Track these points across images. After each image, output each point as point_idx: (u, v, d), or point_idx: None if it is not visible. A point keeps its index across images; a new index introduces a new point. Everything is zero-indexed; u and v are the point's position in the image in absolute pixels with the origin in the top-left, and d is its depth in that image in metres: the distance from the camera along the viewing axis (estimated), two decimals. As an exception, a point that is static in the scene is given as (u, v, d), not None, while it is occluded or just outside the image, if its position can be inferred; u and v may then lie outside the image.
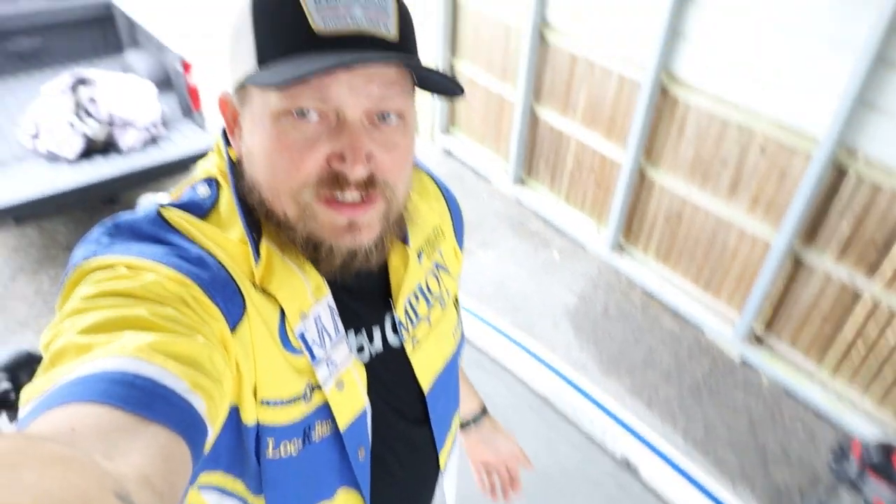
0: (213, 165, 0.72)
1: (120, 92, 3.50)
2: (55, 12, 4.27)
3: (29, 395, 0.46)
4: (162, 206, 0.66)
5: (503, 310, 3.20)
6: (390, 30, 0.61)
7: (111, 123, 3.42)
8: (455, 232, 0.93)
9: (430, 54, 4.32)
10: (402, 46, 0.62)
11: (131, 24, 4.29)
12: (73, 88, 3.50)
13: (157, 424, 0.44)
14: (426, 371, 0.84)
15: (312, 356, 0.69)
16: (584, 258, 3.61)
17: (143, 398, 0.45)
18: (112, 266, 0.58)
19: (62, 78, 3.55)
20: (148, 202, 0.67)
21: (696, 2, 2.68)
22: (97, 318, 0.52)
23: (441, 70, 0.63)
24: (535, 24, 3.44)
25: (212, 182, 0.71)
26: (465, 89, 0.66)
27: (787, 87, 2.50)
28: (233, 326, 0.63)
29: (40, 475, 0.30)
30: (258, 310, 0.66)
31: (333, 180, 0.62)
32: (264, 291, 0.67)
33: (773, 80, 2.54)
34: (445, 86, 0.66)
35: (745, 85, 2.64)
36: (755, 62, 2.57)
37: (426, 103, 4.59)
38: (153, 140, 3.56)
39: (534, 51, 3.54)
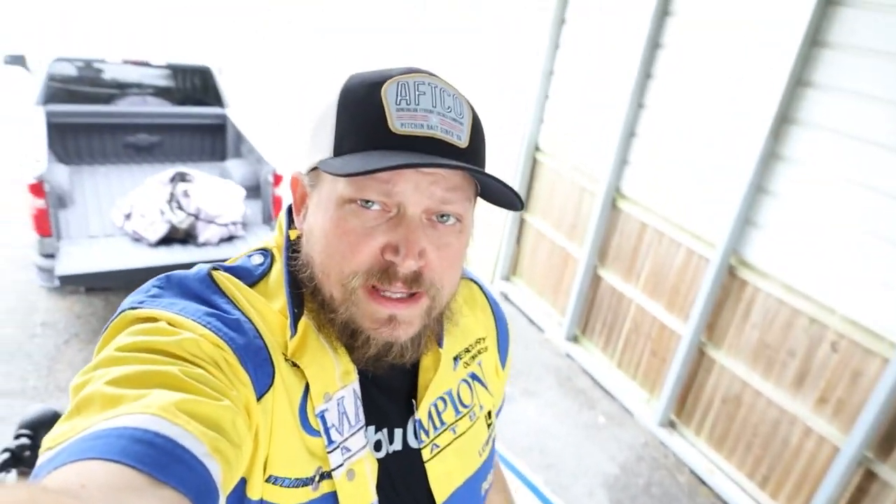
0: (272, 239, 0.76)
1: (212, 191, 3.78)
2: (178, 115, 4.79)
3: (50, 443, 0.47)
4: (214, 267, 0.69)
5: (537, 465, 3.01)
6: (462, 139, 0.65)
7: (196, 217, 3.66)
8: (499, 348, 0.91)
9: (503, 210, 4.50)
10: (469, 155, 0.66)
11: (238, 136, 4.74)
12: (173, 181, 3.81)
13: (168, 487, 0.45)
14: (442, 483, 0.78)
15: (329, 440, 0.68)
16: (631, 427, 3.42)
17: (160, 458, 0.46)
18: (154, 319, 0.61)
19: (166, 172, 3.89)
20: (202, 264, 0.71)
21: (772, 192, 2.74)
22: (128, 371, 0.53)
23: (504, 181, 0.65)
24: (609, 191, 3.57)
25: (266, 253, 0.74)
26: (524, 204, 0.69)
27: (865, 286, 2.45)
28: (259, 395, 0.63)
29: None
30: (285, 383, 0.66)
31: (383, 272, 0.64)
32: (294, 366, 0.67)
33: (849, 276, 2.50)
34: (507, 197, 0.68)
35: (818, 278, 2.61)
36: (831, 257, 2.55)
37: (491, 248, 4.72)
38: (230, 238, 3.77)
39: (604, 215, 3.64)
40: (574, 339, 4.02)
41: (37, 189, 3.28)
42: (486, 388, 0.86)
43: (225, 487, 0.53)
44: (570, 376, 3.80)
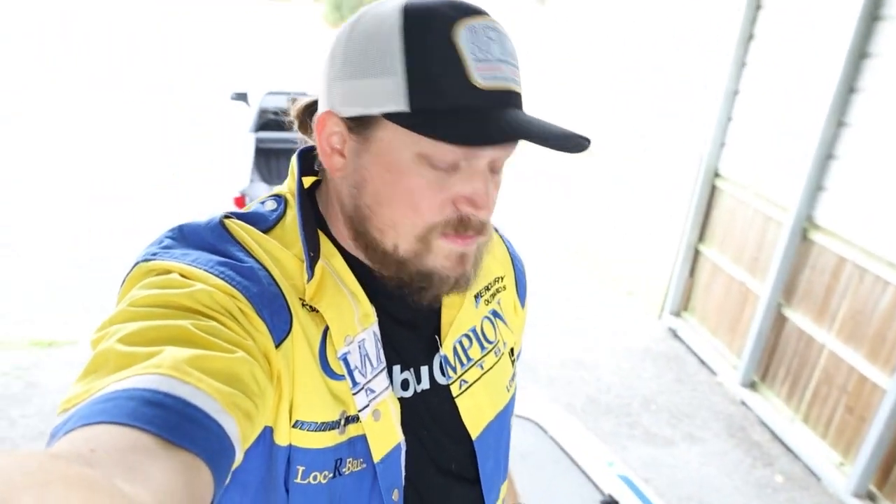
0: (284, 185, 0.75)
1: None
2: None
3: (64, 405, 0.48)
4: (226, 215, 0.68)
5: (697, 520, 2.71)
6: (520, 84, 0.64)
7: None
8: (517, 287, 0.92)
9: (676, 235, 4.23)
10: (522, 99, 0.65)
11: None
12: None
13: (181, 448, 0.45)
14: (475, 417, 0.78)
15: (353, 381, 0.68)
16: (817, 493, 2.94)
17: (171, 419, 0.45)
18: (168, 271, 0.61)
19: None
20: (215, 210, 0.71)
21: None
22: (140, 327, 0.53)
23: (578, 133, 0.61)
24: (799, 221, 3.18)
25: (279, 199, 0.73)
26: (590, 142, 0.62)
27: None
28: (278, 342, 0.63)
29: (65, 497, 0.32)
30: (303, 328, 0.65)
31: (459, 222, 0.65)
32: (311, 311, 0.67)
33: None
34: (576, 143, 0.61)
35: None
36: None
37: (660, 280, 4.43)
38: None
39: (792, 247, 3.24)
40: (751, 385, 3.59)
41: (240, 201, 3.78)
42: (506, 325, 0.87)
43: (244, 441, 0.52)
44: (744, 426, 3.39)
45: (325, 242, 0.71)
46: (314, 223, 0.71)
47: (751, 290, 3.60)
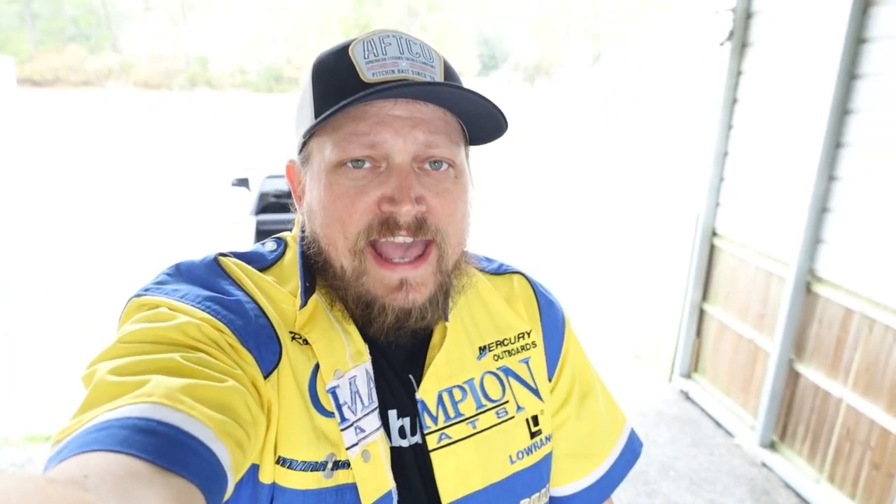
0: (288, 233, 0.79)
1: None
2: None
3: (58, 437, 0.48)
4: (221, 253, 0.71)
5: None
6: (435, 78, 0.66)
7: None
8: (546, 349, 0.83)
9: (679, 296, 4.23)
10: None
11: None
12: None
13: (174, 474, 0.45)
14: (451, 481, 0.70)
15: (342, 417, 0.65)
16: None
17: (164, 446, 0.46)
18: (157, 306, 0.62)
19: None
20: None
21: None
22: (130, 361, 0.54)
23: (482, 94, 0.64)
24: (801, 275, 3.19)
25: (280, 241, 0.77)
26: (508, 124, 0.69)
27: None
28: (266, 373, 0.63)
29: None
30: (291, 362, 0.65)
31: (383, 224, 0.65)
32: (303, 344, 0.67)
33: None
34: (491, 123, 0.68)
35: None
36: None
37: (668, 342, 4.39)
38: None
39: (797, 301, 3.23)
40: (771, 445, 3.48)
41: None
42: (530, 389, 0.78)
43: (236, 470, 0.52)
44: (768, 490, 3.26)
45: (320, 280, 0.72)
46: (312, 260, 0.73)
47: (760, 347, 3.56)
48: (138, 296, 0.64)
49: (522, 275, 0.88)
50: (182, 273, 0.68)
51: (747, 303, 3.68)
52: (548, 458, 0.80)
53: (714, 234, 3.95)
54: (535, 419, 0.78)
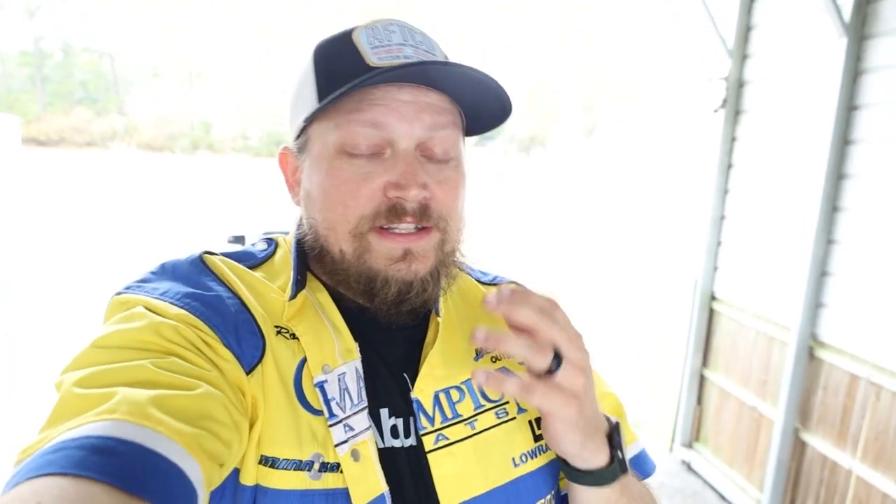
0: (280, 234, 0.78)
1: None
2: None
3: (19, 458, 0.46)
4: (207, 251, 0.70)
5: None
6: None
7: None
8: None
9: (680, 362, 4.15)
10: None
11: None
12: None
13: (133, 497, 0.43)
14: (451, 484, 0.66)
15: (330, 412, 0.62)
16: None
17: (124, 467, 0.43)
18: (133, 305, 0.61)
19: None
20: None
21: None
22: (98, 370, 0.52)
23: (487, 73, 0.64)
24: (803, 340, 3.13)
25: (271, 241, 0.77)
26: (512, 107, 0.69)
27: None
28: (248, 369, 0.61)
29: None
30: (275, 356, 0.63)
31: (390, 211, 0.64)
32: (290, 338, 0.65)
33: None
34: (492, 110, 0.69)
35: None
36: None
37: (668, 411, 4.27)
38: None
39: (800, 368, 3.16)
40: (778, 520, 3.33)
41: None
42: None
43: (209, 484, 0.50)
44: (778, 569, 3.08)
45: (311, 279, 0.71)
46: (306, 257, 0.72)
47: (763, 415, 3.46)
48: (119, 294, 0.64)
49: (517, 284, 0.86)
50: (166, 271, 0.67)
51: (749, 369, 3.61)
52: (554, 463, 0.74)
53: (713, 298, 3.91)
54: (539, 421, 0.74)
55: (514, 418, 0.73)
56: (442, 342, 0.72)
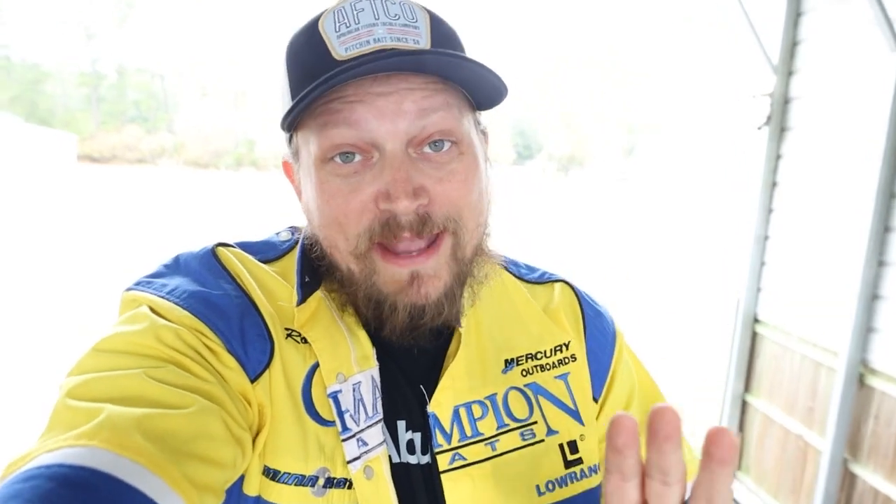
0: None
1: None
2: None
3: (6, 471, 0.45)
4: (222, 243, 0.66)
5: None
6: (420, 42, 0.58)
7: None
8: (591, 366, 0.73)
9: (720, 387, 4.02)
10: (435, 55, 0.58)
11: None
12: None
13: None
14: None
15: (343, 426, 0.58)
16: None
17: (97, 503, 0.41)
18: (139, 304, 0.59)
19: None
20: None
21: None
22: (91, 378, 0.51)
23: (473, 58, 0.57)
24: (853, 366, 2.99)
25: (295, 229, 0.72)
26: (508, 89, 0.60)
27: None
28: (254, 376, 0.57)
29: None
30: (284, 362, 0.59)
31: (384, 225, 0.58)
32: (301, 342, 0.60)
33: None
34: (489, 88, 0.60)
35: None
36: None
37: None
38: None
39: (849, 395, 3.01)
40: (826, 557, 3.15)
41: None
42: (566, 410, 0.68)
43: None
44: None
45: (329, 285, 0.66)
46: (316, 255, 0.67)
47: (810, 444, 3.30)
48: (129, 290, 0.62)
49: (566, 282, 0.79)
50: (179, 265, 0.65)
51: (794, 395, 3.46)
52: (592, 494, 0.68)
53: (756, 320, 3.78)
54: (573, 445, 0.68)
55: (542, 440, 0.67)
56: (466, 352, 0.67)
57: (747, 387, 3.85)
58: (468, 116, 0.63)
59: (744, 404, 3.87)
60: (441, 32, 0.61)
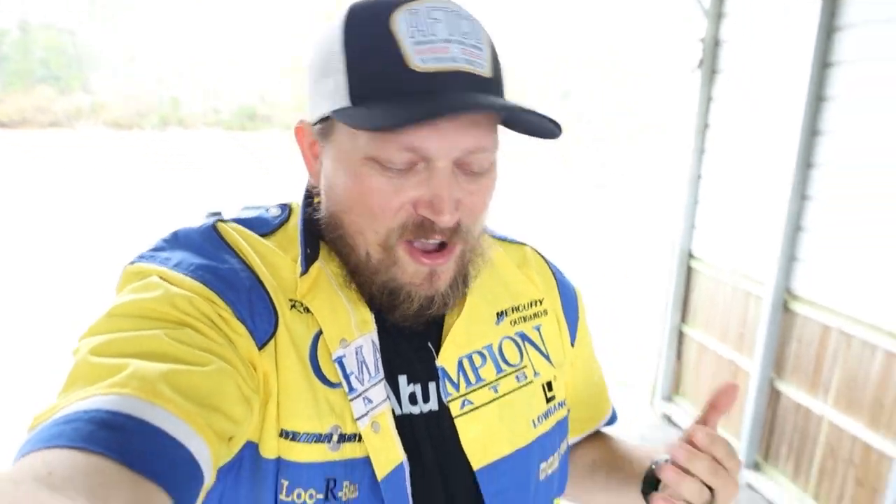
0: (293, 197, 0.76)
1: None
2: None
3: (33, 424, 0.47)
4: (221, 219, 0.68)
5: None
6: (485, 67, 0.60)
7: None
8: (567, 320, 0.84)
9: (658, 319, 4.26)
10: (495, 85, 0.62)
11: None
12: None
13: (138, 475, 0.43)
14: (479, 447, 0.69)
15: (350, 387, 0.63)
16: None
17: (131, 444, 0.44)
18: (148, 275, 0.60)
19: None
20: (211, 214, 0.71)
21: None
22: (113, 338, 0.53)
23: (537, 110, 0.60)
24: (778, 294, 3.23)
25: (285, 206, 0.74)
26: (561, 130, 0.62)
27: None
28: (260, 344, 0.61)
29: None
30: (289, 330, 0.63)
31: (418, 227, 0.62)
32: (303, 312, 0.64)
33: None
34: (541, 127, 0.62)
35: None
36: None
37: (648, 365, 4.39)
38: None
39: (775, 321, 3.27)
40: (755, 466, 3.47)
41: None
42: (543, 355, 0.79)
43: (217, 461, 0.51)
44: (755, 511, 3.23)
45: (325, 249, 0.70)
46: (316, 227, 0.70)
47: (740, 367, 3.58)
48: (132, 263, 0.63)
49: (532, 248, 0.88)
50: (179, 240, 0.66)
51: (727, 323, 3.72)
52: (562, 423, 0.80)
53: (691, 256, 4.00)
54: (549, 385, 0.79)
55: (531, 382, 0.76)
56: (467, 312, 0.73)
57: (684, 318, 4.10)
58: (498, 136, 0.66)
59: (681, 334, 4.13)
60: (495, 54, 0.63)
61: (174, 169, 18.59)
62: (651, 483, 0.77)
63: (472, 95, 0.58)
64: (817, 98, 2.98)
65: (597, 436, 0.95)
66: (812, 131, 3.02)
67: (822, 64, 2.93)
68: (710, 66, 3.70)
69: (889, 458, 2.68)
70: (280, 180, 14.48)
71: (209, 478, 0.50)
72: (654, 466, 0.76)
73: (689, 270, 4.02)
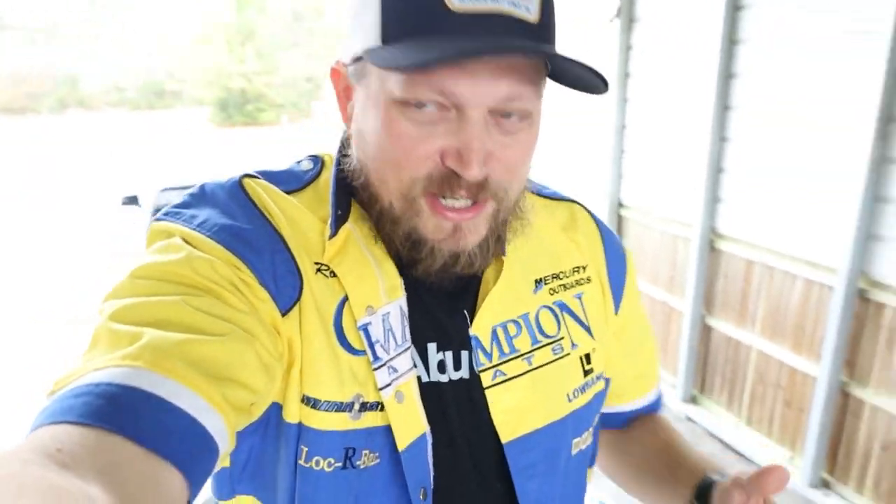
0: (327, 148, 0.72)
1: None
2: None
3: (55, 386, 0.47)
4: (248, 174, 0.65)
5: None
6: (531, 11, 0.56)
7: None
8: (611, 286, 0.78)
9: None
10: (542, 31, 0.57)
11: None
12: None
13: (149, 452, 0.43)
14: (510, 419, 0.67)
15: (374, 355, 0.61)
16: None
17: (142, 421, 0.43)
18: (171, 234, 0.59)
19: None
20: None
21: (893, 199, 2.48)
22: (132, 303, 0.52)
23: (583, 62, 0.56)
24: (704, 234, 3.37)
25: (317, 159, 0.71)
26: (608, 86, 0.58)
27: None
28: (284, 310, 0.59)
29: None
30: (314, 295, 0.60)
31: (444, 179, 0.58)
32: (330, 276, 0.62)
33: None
34: (587, 81, 0.58)
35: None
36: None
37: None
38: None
39: (703, 260, 3.41)
40: (692, 399, 3.67)
41: None
42: (582, 326, 0.74)
43: (233, 431, 0.51)
44: (695, 441, 3.42)
45: (356, 208, 0.66)
46: (348, 184, 0.66)
47: (673, 308, 3.74)
48: (158, 220, 0.62)
49: (581, 205, 0.83)
50: (206, 195, 0.63)
51: (658, 267, 3.85)
52: (599, 397, 0.76)
53: (620, 205, 4.10)
54: (588, 357, 0.74)
55: (568, 354, 0.72)
56: (504, 279, 0.69)
57: (617, 266, 4.23)
58: (543, 89, 0.62)
59: (615, 282, 4.26)
60: (547, 1, 0.58)
61: (76, 155, 17.39)
62: (702, 497, 0.72)
63: (509, 38, 0.54)
64: (730, 41, 3.07)
65: (649, 423, 0.89)
66: (727, 74, 3.12)
67: (735, 6, 3.01)
68: (627, 14, 3.74)
69: (812, 378, 2.88)
70: (195, 163, 13.80)
71: (225, 447, 0.50)
72: (715, 479, 0.70)
73: (620, 219, 4.13)
